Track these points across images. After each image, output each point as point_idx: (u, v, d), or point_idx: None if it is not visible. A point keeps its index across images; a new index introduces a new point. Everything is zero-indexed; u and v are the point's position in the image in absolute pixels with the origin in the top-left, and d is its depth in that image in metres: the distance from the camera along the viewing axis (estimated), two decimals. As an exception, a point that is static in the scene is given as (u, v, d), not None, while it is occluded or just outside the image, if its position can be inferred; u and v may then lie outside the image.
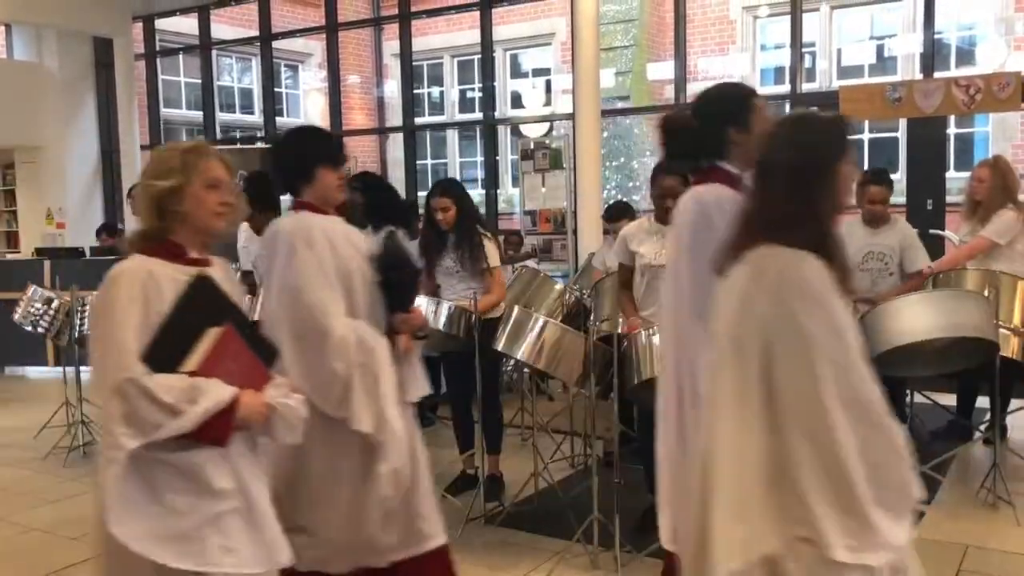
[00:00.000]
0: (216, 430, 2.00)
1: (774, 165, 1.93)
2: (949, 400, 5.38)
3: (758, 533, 1.81)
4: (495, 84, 10.19)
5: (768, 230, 1.90)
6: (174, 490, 1.99)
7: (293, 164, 2.89)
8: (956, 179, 8.22)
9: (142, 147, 10.58)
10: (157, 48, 10.80)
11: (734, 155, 2.58)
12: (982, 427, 5.17)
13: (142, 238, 2.15)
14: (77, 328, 5.73)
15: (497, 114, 10.80)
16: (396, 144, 10.82)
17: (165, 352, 2.00)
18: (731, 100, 2.63)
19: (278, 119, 11.05)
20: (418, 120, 11.08)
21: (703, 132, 2.60)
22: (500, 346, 3.97)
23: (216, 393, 2.00)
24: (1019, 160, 8.54)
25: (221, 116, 11.47)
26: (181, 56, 11.65)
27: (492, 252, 4.51)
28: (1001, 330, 4.20)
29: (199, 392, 1.98)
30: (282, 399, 2.17)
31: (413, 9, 9.59)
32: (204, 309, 2.07)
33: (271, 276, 2.78)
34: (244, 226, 5.97)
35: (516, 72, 13.26)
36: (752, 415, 1.84)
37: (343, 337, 2.62)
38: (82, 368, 5.82)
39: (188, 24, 10.56)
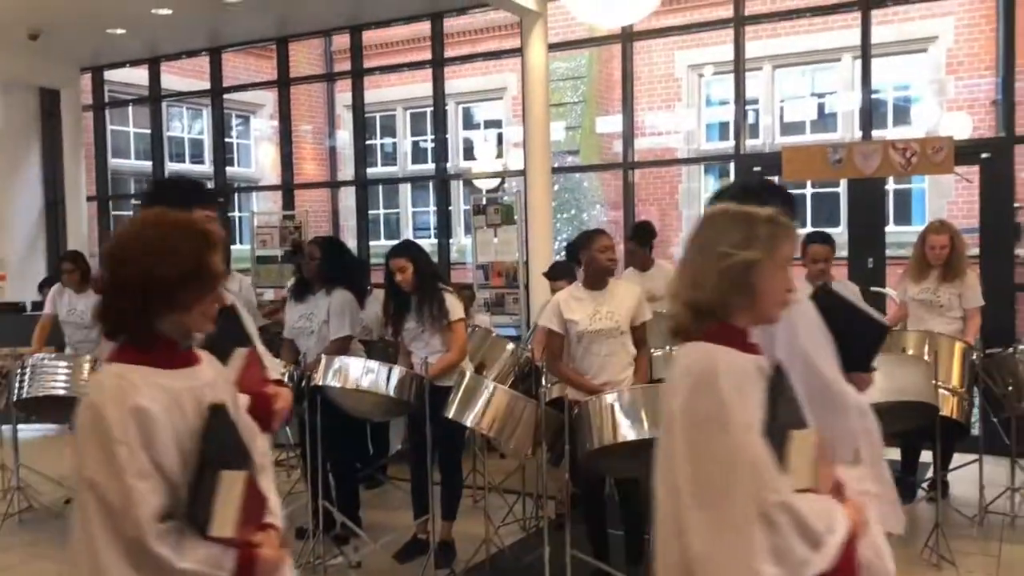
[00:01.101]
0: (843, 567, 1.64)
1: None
2: (892, 455, 5.48)
3: None
4: (447, 136, 10.28)
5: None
6: None
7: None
8: (894, 233, 8.47)
9: (88, 198, 10.43)
10: (106, 99, 10.70)
11: None
12: (925, 484, 5.28)
13: (703, 316, 1.77)
14: (16, 389, 5.51)
15: (449, 165, 10.86)
16: (348, 194, 10.81)
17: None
18: None
19: (228, 169, 10.99)
20: (371, 171, 11.09)
21: None
22: (451, 413, 3.96)
23: (842, 516, 1.67)
24: (952, 216, 8.83)
25: (171, 166, 11.36)
26: (131, 106, 11.55)
27: (454, 306, 4.52)
28: (940, 391, 4.33)
29: (833, 516, 1.64)
30: None
31: (366, 65, 9.65)
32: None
33: None
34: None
35: (468, 123, 13.40)
36: None
37: None
38: (20, 428, 5.66)
39: (138, 75, 10.49)
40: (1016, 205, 7.96)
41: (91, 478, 1.68)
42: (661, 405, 3.51)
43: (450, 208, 10.22)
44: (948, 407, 4.40)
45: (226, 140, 11.09)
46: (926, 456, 5.27)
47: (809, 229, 5.58)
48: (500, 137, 12.95)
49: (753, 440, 1.61)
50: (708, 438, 1.64)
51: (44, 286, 9.02)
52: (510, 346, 5.31)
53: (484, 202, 8.16)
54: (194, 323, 1.81)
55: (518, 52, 7.59)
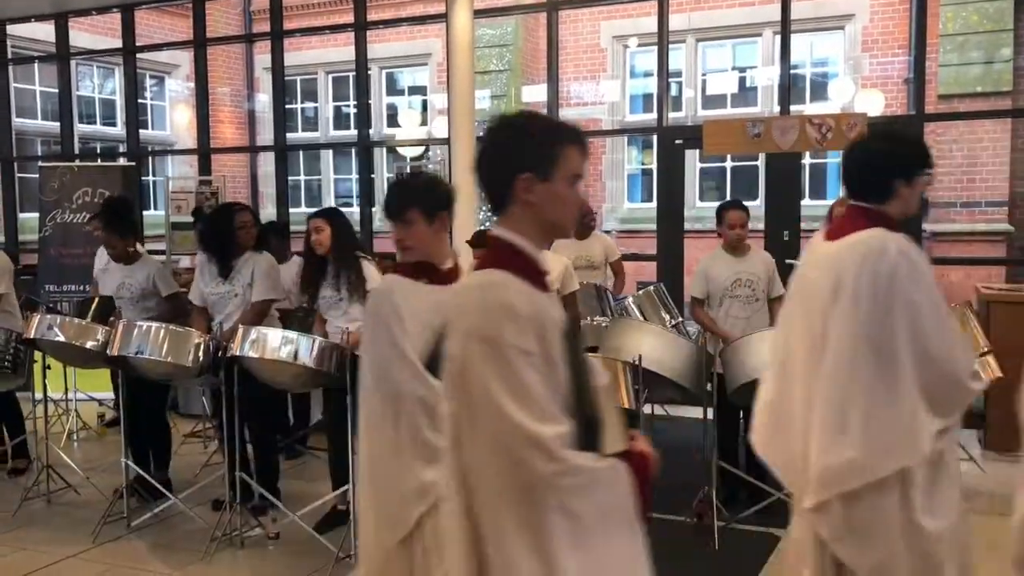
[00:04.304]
0: None
1: None
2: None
3: None
4: (370, 102, 10.12)
5: None
6: None
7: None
8: (809, 207, 8.69)
9: (-9, 159, 9.96)
10: (9, 55, 10.19)
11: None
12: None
13: None
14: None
15: (373, 131, 10.70)
16: (267, 159, 10.57)
17: None
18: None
19: (142, 132, 10.62)
20: (291, 136, 10.86)
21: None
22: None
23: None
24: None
25: (80, 128, 10.92)
26: (36, 64, 11.03)
27: (372, 275, 4.48)
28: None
29: None
30: None
31: (287, 26, 9.41)
32: None
33: None
34: (101, 251, 5.73)
35: (392, 89, 13.21)
36: None
37: None
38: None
39: (44, 31, 10.02)
40: (924, 181, 8.25)
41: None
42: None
43: (373, 176, 10.09)
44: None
45: (139, 101, 10.71)
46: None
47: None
48: (425, 104, 12.80)
49: None
50: None
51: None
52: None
53: (408, 170, 8.08)
54: None
55: (443, 17, 7.49)
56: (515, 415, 1.61)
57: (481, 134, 1.88)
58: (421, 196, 2.67)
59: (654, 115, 8.39)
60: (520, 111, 2.28)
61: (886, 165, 2.55)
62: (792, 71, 7.84)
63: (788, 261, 6.59)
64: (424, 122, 12.21)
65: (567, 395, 1.70)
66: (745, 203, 5.11)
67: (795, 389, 2.59)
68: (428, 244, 2.65)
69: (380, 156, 12.33)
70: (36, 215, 8.79)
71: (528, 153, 1.75)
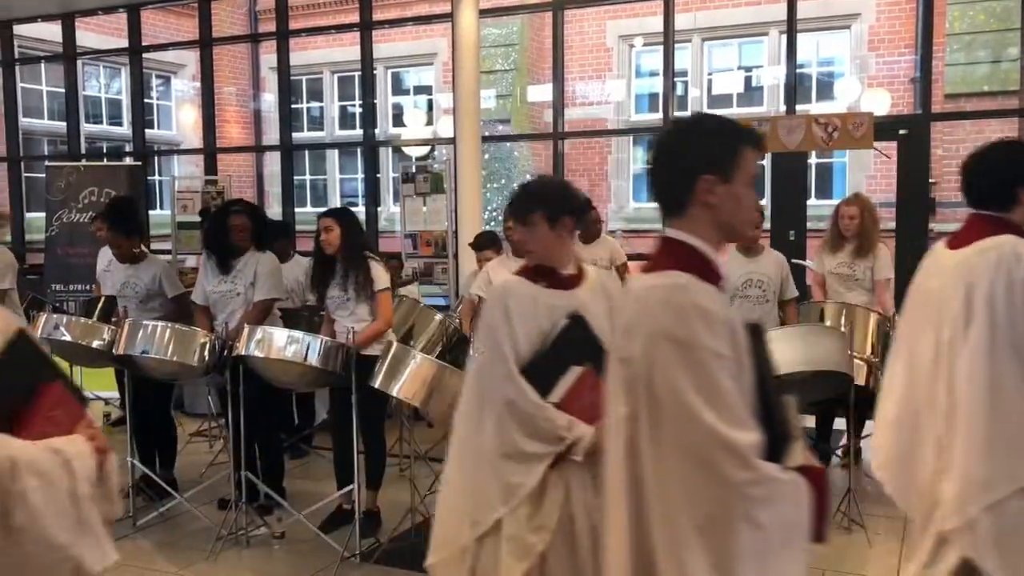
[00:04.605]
0: None
1: None
2: (808, 423, 5.65)
3: None
4: (376, 102, 10.12)
5: None
6: None
7: None
8: (815, 207, 8.68)
9: (-1, 159, 10.01)
10: (16, 56, 10.22)
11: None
12: (838, 451, 5.46)
13: None
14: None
15: (378, 131, 10.71)
16: (273, 159, 10.59)
17: None
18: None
19: (148, 131, 10.64)
20: (297, 136, 10.87)
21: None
22: (377, 383, 3.94)
23: None
24: (871, 191, 9.08)
25: (87, 127, 10.95)
26: (43, 64, 11.06)
27: (380, 275, 4.49)
28: (855, 361, 4.47)
29: None
30: None
31: (292, 26, 9.42)
32: None
33: None
34: (104, 251, 5.74)
35: (398, 88, 13.21)
36: None
37: None
38: None
39: (51, 31, 10.05)
40: (931, 181, 8.23)
41: None
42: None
43: (378, 175, 10.10)
44: (862, 376, 4.55)
45: (146, 101, 10.72)
46: (839, 424, 5.45)
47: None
48: (430, 104, 12.81)
49: None
50: None
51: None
52: (438, 316, 5.29)
53: (413, 170, 8.08)
54: None
55: (448, 17, 7.49)
56: (708, 420, 1.56)
57: (658, 135, 1.86)
58: (547, 199, 2.65)
59: (660, 115, 8.38)
60: (698, 113, 2.27)
61: (1008, 173, 2.57)
62: (798, 70, 7.82)
63: (795, 261, 6.59)
64: (430, 122, 12.22)
65: (754, 402, 1.65)
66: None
67: (921, 408, 2.54)
68: (549, 248, 2.61)
69: (386, 156, 12.34)
70: (43, 214, 8.82)
71: (711, 154, 1.73)
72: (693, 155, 1.74)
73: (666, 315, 1.63)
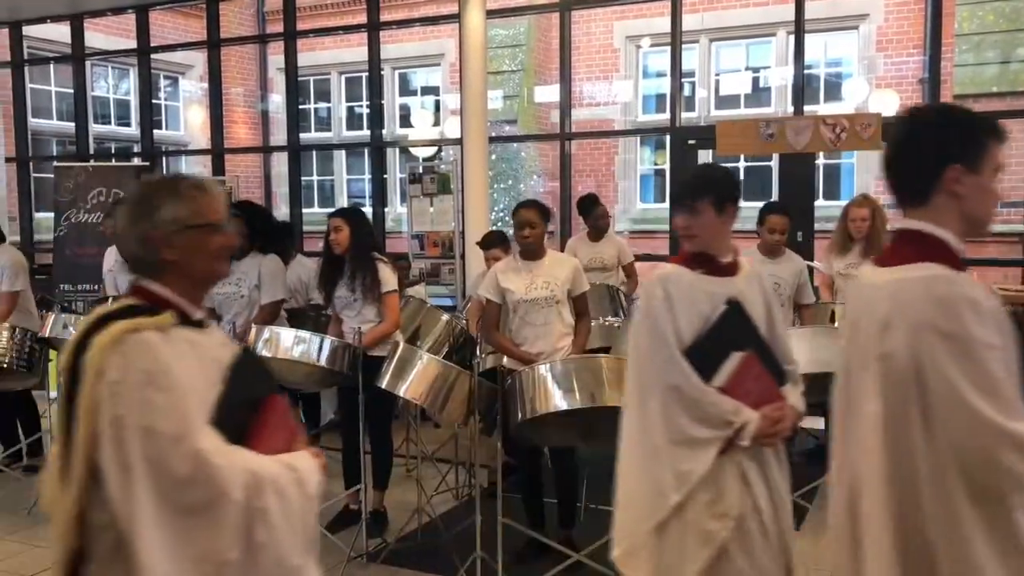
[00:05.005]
0: None
1: None
2: (817, 423, 5.64)
3: None
4: (383, 103, 10.13)
5: None
6: None
7: None
8: (823, 208, 8.65)
9: (7, 159, 10.04)
10: (25, 56, 10.26)
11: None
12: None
13: None
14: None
15: (385, 132, 10.71)
16: (280, 160, 10.60)
17: None
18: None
19: (156, 132, 10.67)
20: (304, 136, 10.89)
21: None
22: (384, 383, 3.94)
23: None
24: (880, 192, 9.04)
25: (95, 128, 10.98)
26: (52, 64, 11.10)
27: (387, 277, 4.49)
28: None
29: None
30: None
31: (300, 27, 9.43)
32: None
33: None
34: (110, 251, 5.76)
35: (405, 89, 13.22)
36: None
37: None
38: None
39: (60, 32, 10.08)
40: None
41: None
42: (593, 375, 3.56)
43: (385, 176, 10.10)
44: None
45: (154, 102, 10.75)
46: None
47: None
48: (437, 104, 12.80)
49: None
50: None
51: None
52: (445, 316, 5.30)
53: (420, 171, 8.08)
54: None
55: (456, 18, 7.50)
56: (987, 412, 1.54)
57: (896, 124, 1.83)
58: (716, 186, 2.63)
59: (667, 115, 8.37)
60: (944, 103, 2.22)
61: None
62: (806, 71, 7.80)
63: (806, 263, 6.57)
64: (437, 122, 12.21)
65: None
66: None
67: None
68: (713, 235, 2.60)
69: (393, 156, 12.34)
70: (51, 215, 8.84)
71: (959, 144, 1.70)
72: (942, 144, 1.71)
73: (930, 308, 1.60)
